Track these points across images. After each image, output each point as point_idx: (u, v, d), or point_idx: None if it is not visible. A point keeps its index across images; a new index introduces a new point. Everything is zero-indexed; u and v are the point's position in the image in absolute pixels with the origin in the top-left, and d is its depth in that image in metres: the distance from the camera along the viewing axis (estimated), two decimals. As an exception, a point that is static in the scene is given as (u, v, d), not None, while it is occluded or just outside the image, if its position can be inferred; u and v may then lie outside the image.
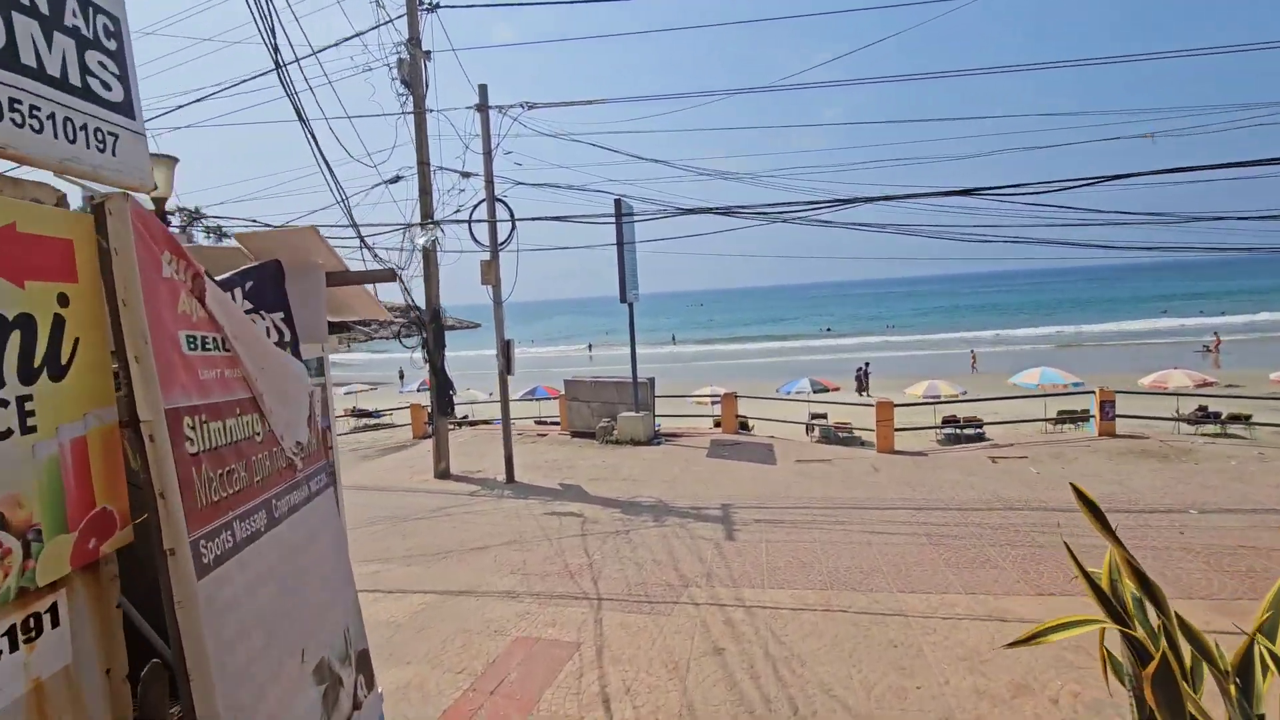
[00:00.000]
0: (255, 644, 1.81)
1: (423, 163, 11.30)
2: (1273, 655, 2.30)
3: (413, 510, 10.03)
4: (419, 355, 11.58)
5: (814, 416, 29.21)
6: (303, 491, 2.37)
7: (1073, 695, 4.69)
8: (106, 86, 1.66)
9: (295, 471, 2.32)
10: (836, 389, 29.23)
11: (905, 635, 5.61)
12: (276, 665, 1.92)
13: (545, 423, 17.52)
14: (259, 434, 2.08)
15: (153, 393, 1.53)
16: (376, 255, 9.61)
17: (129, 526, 1.64)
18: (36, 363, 1.40)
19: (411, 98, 11.05)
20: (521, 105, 10.58)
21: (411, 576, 7.48)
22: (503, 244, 11.11)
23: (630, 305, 13.72)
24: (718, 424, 15.55)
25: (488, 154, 10.85)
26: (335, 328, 4.03)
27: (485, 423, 20.64)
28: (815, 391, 28.05)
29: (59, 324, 1.46)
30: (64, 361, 1.47)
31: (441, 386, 11.64)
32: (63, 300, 1.48)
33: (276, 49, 6.91)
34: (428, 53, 11.24)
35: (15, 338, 1.35)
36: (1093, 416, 12.76)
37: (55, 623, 1.44)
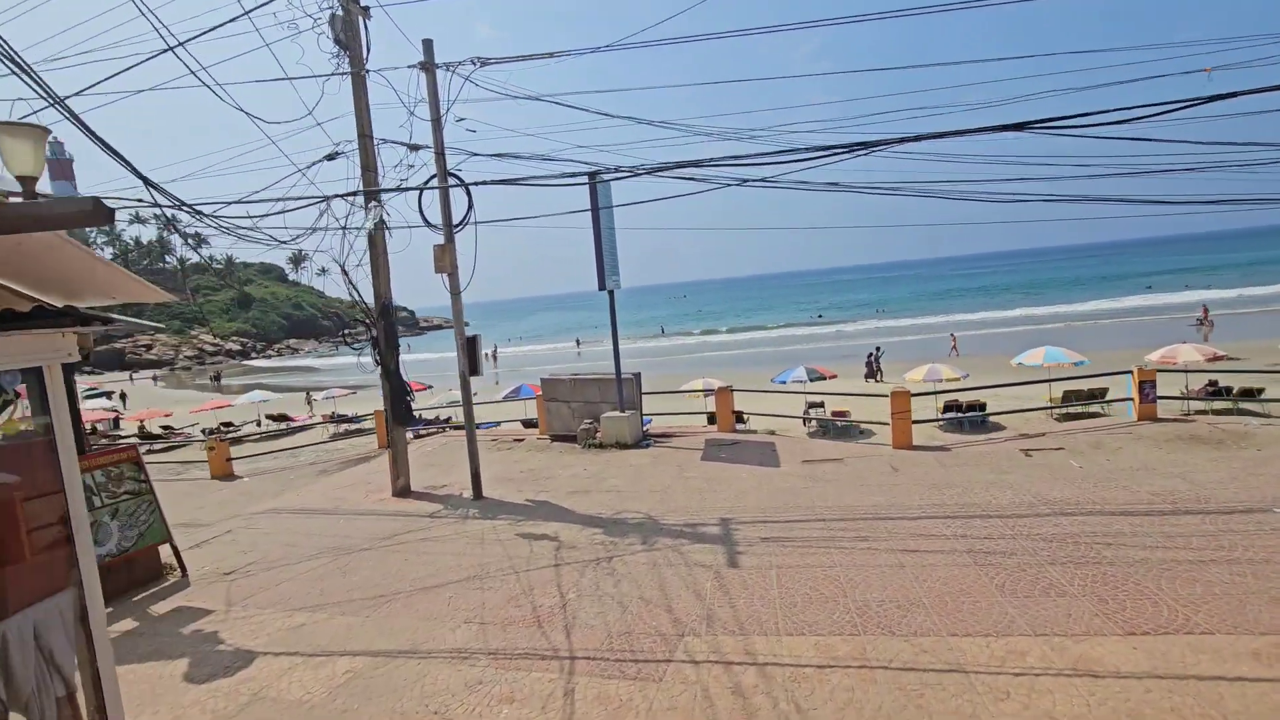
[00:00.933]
0: None
1: (363, 135, 9.79)
2: None
3: (361, 539, 8.59)
4: (368, 359, 10.11)
5: (811, 406, 28.04)
6: None
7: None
8: None
9: None
10: (833, 376, 27.92)
11: (971, 705, 4.25)
12: None
13: (532, 425, 16.10)
14: None
15: None
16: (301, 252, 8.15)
17: None
18: None
19: (348, 58, 9.54)
20: (472, 61, 9.09)
21: (343, 631, 6.05)
22: (459, 225, 9.65)
23: (611, 293, 12.29)
24: (713, 420, 14.20)
25: (436, 121, 9.36)
26: (78, 319, 2.59)
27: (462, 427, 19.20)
28: (812, 380, 26.81)
29: None
30: None
31: (396, 393, 10.18)
32: None
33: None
34: (366, 8, 9.72)
35: None
36: (1129, 399, 11.46)
37: None
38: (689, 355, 53.51)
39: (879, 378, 34.13)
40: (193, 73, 7.26)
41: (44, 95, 5.39)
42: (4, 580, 2.50)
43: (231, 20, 8.55)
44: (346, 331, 10.65)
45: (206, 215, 7.58)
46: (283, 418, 33.90)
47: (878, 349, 35.95)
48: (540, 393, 13.76)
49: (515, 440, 13.76)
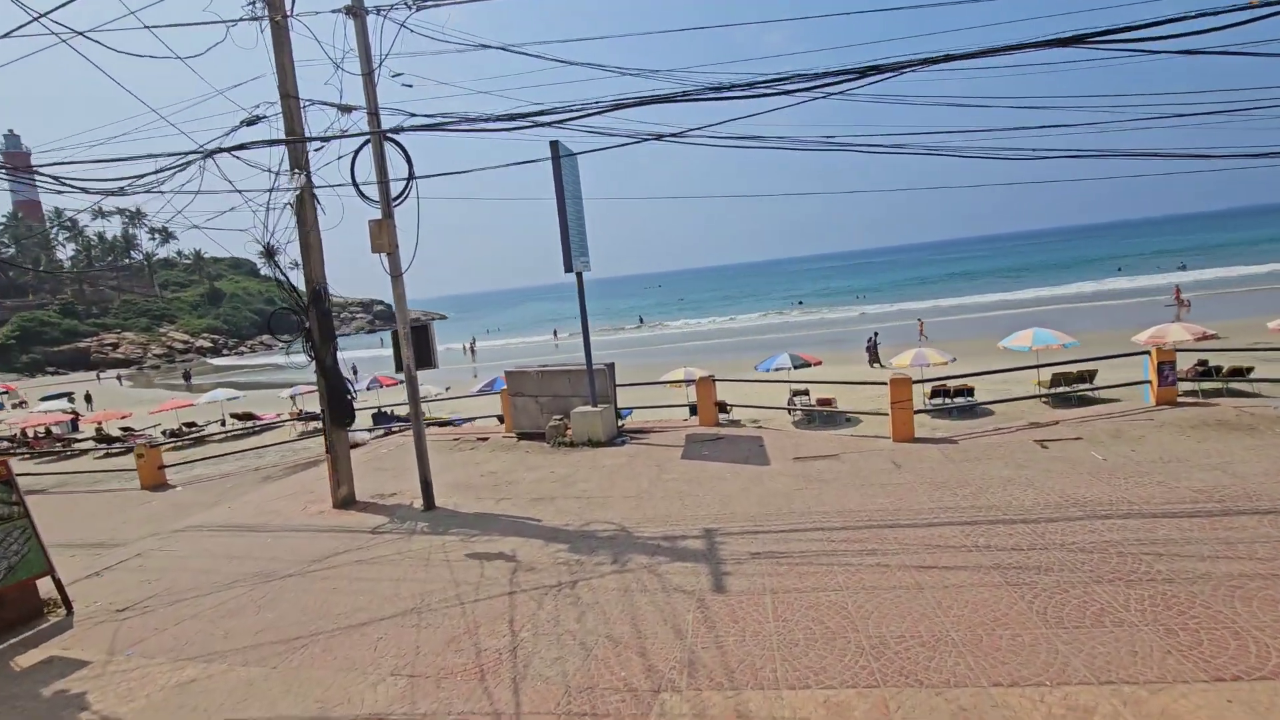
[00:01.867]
0: None
1: (287, 95, 8.49)
2: None
3: (288, 562, 7.38)
4: (301, 355, 8.86)
5: (795, 394, 27.12)
6: None
7: None
8: None
9: None
10: (818, 362, 27.12)
11: (1040, 796, 3.21)
12: None
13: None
14: None
15: None
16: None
17: None
18: None
19: (266, 3, 8.22)
20: (407, 3, 7.82)
21: (241, 688, 4.88)
22: (398, 198, 8.41)
23: (579, 276, 11.11)
24: (695, 413, 13.13)
25: (368, 76, 8.08)
26: None
27: (436, 424, 17.95)
28: (796, 367, 25.90)
29: None
30: None
31: (334, 391, 8.95)
32: None
33: None
34: (285, -54, 8.39)
35: None
36: (1147, 382, 10.56)
37: None
38: (670, 345, 52.52)
39: (881, 363, 33.36)
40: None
41: None
42: None
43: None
44: (273, 320, 9.37)
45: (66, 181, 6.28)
46: (249, 416, 32.56)
47: (876, 334, 35.12)
48: (506, 387, 12.55)
49: (479, 439, 12.56)
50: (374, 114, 8.15)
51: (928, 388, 25.29)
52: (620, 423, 12.31)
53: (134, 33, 8.61)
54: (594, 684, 4.46)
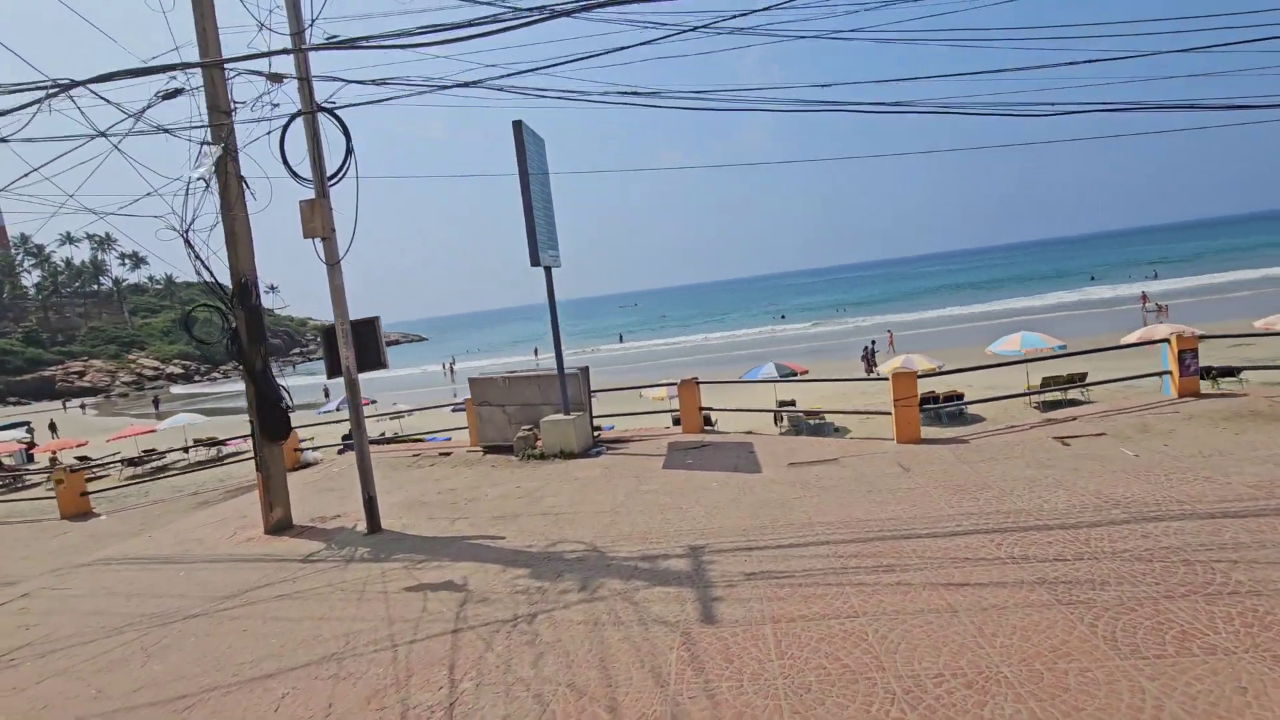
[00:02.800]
0: None
1: (209, 64, 7.47)
2: None
3: (197, 599, 6.22)
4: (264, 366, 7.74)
5: (781, 404, 26.30)
6: None
7: None
8: None
9: None
10: (805, 371, 26.39)
11: None
12: None
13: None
14: None
15: None
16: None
17: None
18: None
19: (178, -40, 7.23)
20: (337, -49, 6.93)
21: (88, 771, 3.75)
22: (334, 176, 7.41)
23: (548, 270, 10.13)
24: (678, 423, 12.12)
25: (297, 35, 7.11)
26: None
27: (399, 441, 16.77)
28: (783, 376, 25.12)
29: None
30: None
31: (265, 400, 7.84)
32: None
33: None
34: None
35: None
36: (1166, 373, 9.76)
37: None
38: (653, 362, 51.63)
39: (876, 370, 32.70)
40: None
41: None
42: None
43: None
44: (189, 320, 8.31)
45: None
46: (213, 441, 31.22)
47: (873, 342, 34.48)
48: (470, 396, 11.46)
49: (441, 454, 11.43)
50: (304, 79, 7.15)
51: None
52: (597, 433, 11.27)
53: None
54: (548, 753, 3.40)
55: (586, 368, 10.96)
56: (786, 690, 3.68)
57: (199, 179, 6.95)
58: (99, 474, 22.45)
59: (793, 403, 25.67)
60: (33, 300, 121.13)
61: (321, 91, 7.50)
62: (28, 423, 48.48)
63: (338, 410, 32.43)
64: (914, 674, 3.71)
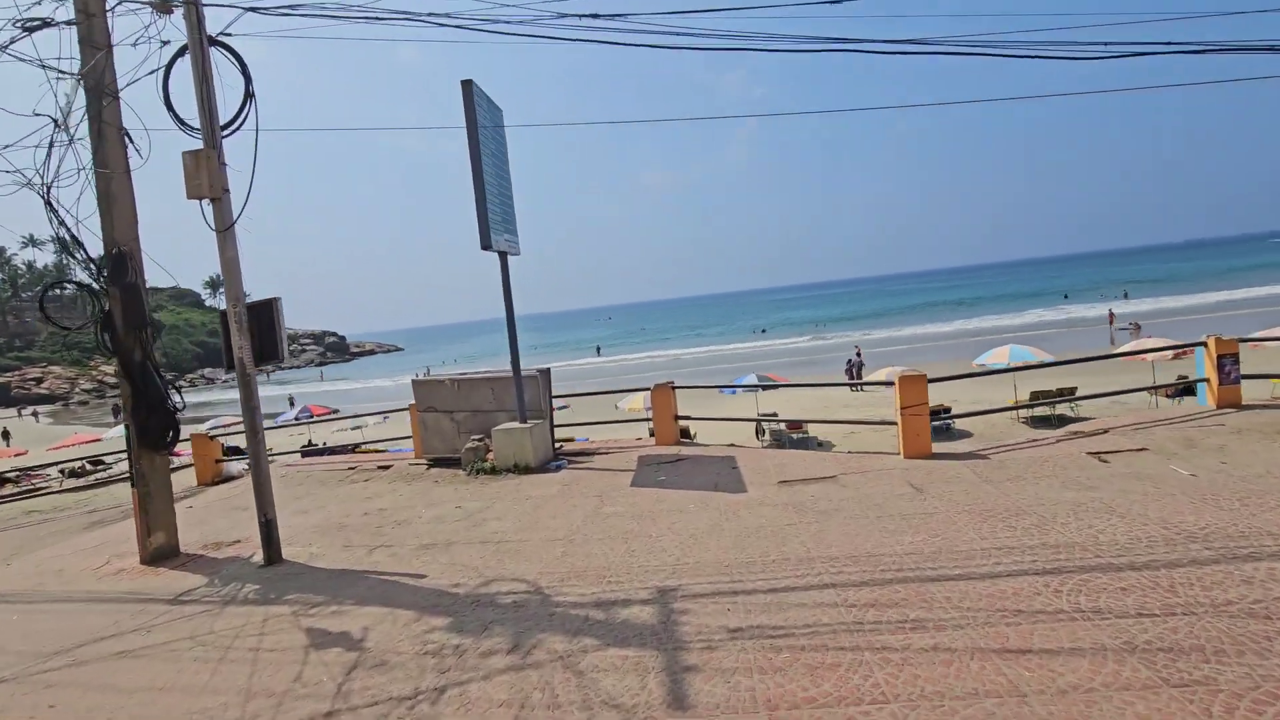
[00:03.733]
0: None
1: (79, -12, 6.12)
2: None
3: (18, 654, 4.75)
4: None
5: (763, 416, 25.11)
6: None
7: None
8: None
9: None
10: (787, 384, 25.31)
11: None
12: None
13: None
14: None
15: None
16: None
17: None
18: None
19: None
20: None
21: None
22: (230, 125, 6.06)
23: (503, 257, 8.83)
24: (655, 434, 10.81)
25: (183, -50, 5.80)
26: None
27: (342, 451, 15.27)
28: (765, 388, 24.04)
29: None
30: None
31: (143, 398, 6.40)
32: None
33: None
34: None
35: None
36: (1203, 381, 8.69)
37: None
38: (634, 374, 50.38)
39: (861, 387, 31.62)
40: None
41: None
42: None
43: None
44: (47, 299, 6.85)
45: None
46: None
47: (858, 353, 33.39)
48: (413, 401, 10.05)
49: (380, 468, 9.99)
50: (193, 2, 5.80)
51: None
52: (559, 445, 9.93)
53: None
54: None
55: (547, 370, 9.62)
56: (795, 837, 2.38)
57: (60, 125, 5.56)
58: (38, 485, 20.56)
59: (774, 414, 24.57)
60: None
61: (216, 22, 6.19)
62: (-29, 430, 46.01)
63: (296, 421, 30.73)
64: (987, 809, 2.43)
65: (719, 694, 3.31)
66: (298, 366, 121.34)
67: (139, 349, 6.39)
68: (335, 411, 30.94)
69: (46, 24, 6.37)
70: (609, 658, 3.79)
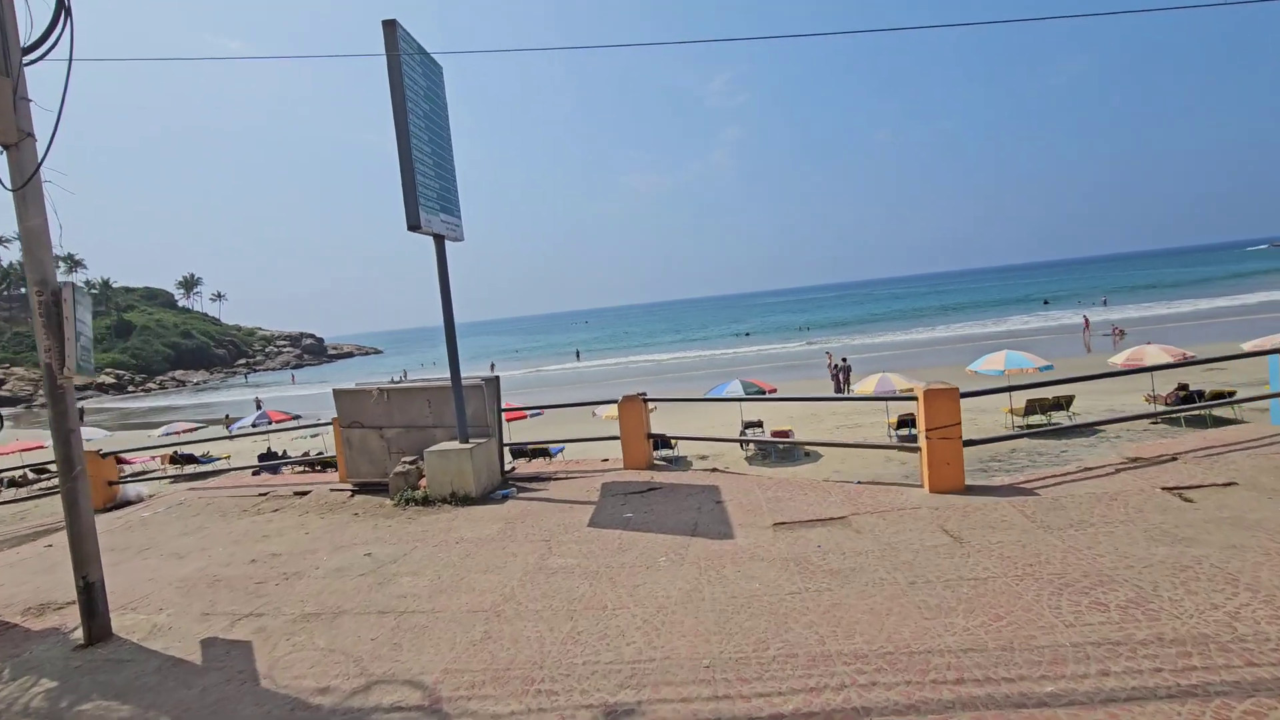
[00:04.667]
0: None
1: None
2: None
3: None
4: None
5: (748, 426, 23.62)
6: None
7: None
8: None
9: None
10: (773, 390, 23.91)
11: None
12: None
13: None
14: None
15: None
16: None
17: None
18: None
19: None
20: None
21: None
22: (35, 48, 4.48)
23: (439, 241, 7.28)
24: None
25: None
26: None
27: (313, 465, 13.56)
28: (749, 394, 22.62)
29: None
30: None
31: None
32: None
33: None
34: None
35: None
36: (1274, 395, 7.32)
37: None
38: (616, 381, 48.87)
39: (848, 391, 30.33)
40: None
41: None
42: None
43: None
44: None
45: None
46: (115, 460, 27.40)
47: (844, 360, 32.08)
48: (338, 414, 8.42)
49: (296, 494, 8.36)
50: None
51: (893, 417, 22.33)
52: (511, 466, 8.38)
53: None
54: None
55: (495, 379, 8.05)
56: None
57: None
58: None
59: (759, 423, 23.16)
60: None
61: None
62: (-98, 437, 43.37)
63: (254, 427, 28.86)
64: None
65: None
66: (272, 369, 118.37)
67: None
68: (298, 418, 29.13)
69: None
70: None
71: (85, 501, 4.58)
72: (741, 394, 22.11)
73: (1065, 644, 3.34)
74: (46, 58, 4.45)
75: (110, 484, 9.53)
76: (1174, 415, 19.61)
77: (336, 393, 8.17)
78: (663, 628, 3.94)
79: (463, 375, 7.42)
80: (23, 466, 26.61)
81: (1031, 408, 20.69)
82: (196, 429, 32.39)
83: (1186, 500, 5.17)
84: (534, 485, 7.66)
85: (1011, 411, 21.51)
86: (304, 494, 8.31)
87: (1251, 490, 5.27)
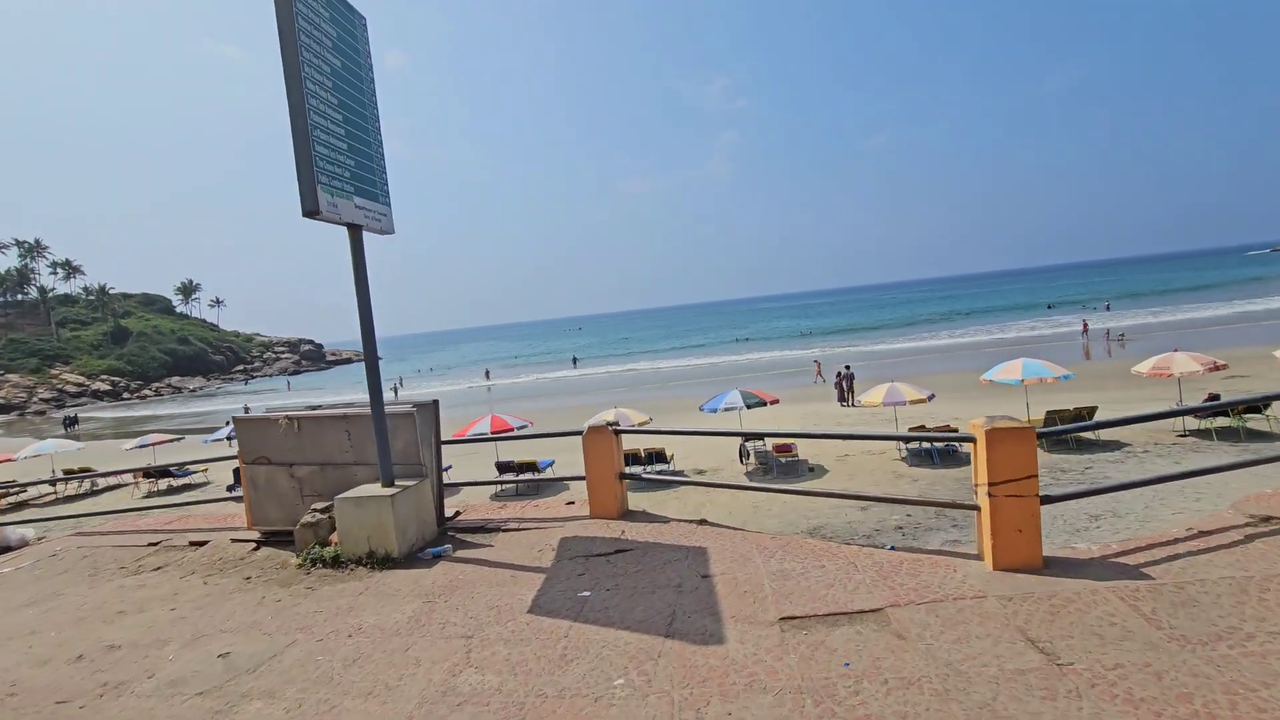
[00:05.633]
0: None
1: None
2: None
3: None
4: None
5: (747, 438, 22.14)
6: None
7: None
8: None
9: None
10: (775, 401, 22.38)
11: None
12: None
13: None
14: None
15: None
16: None
17: None
18: None
19: None
20: None
21: None
22: None
23: (354, 232, 5.75)
24: (626, 474, 7.61)
25: None
26: None
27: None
28: (749, 405, 21.09)
29: None
30: None
31: None
32: None
33: None
34: None
35: None
36: None
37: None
38: (607, 391, 47.30)
39: (850, 400, 28.89)
40: None
41: None
42: None
43: None
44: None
45: None
46: (85, 472, 25.44)
47: (847, 368, 30.65)
48: (240, 448, 6.87)
49: (192, 545, 6.80)
50: None
51: (903, 429, 20.78)
52: (456, 513, 6.82)
53: None
54: None
55: (433, 403, 6.48)
56: None
57: None
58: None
59: (761, 438, 21.63)
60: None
61: None
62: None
63: (229, 441, 27.38)
64: None
65: None
66: (269, 375, 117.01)
67: None
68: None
69: None
70: None
71: None
72: (741, 404, 20.60)
73: None
74: None
75: (-15, 526, 7.99)
76: (1204, 428, 18.20)
77: (237, 421, 6.60)
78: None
79: (386, 400, 5.86)
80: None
81: (1051, 419, 19.21)
82: (171, 440, 30.86)
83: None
84: (476, 539, 6.09)
85: (1030, 421, 20.01)
86: (201, 544, 6.74)
87: None
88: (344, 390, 73.75)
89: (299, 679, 3.82)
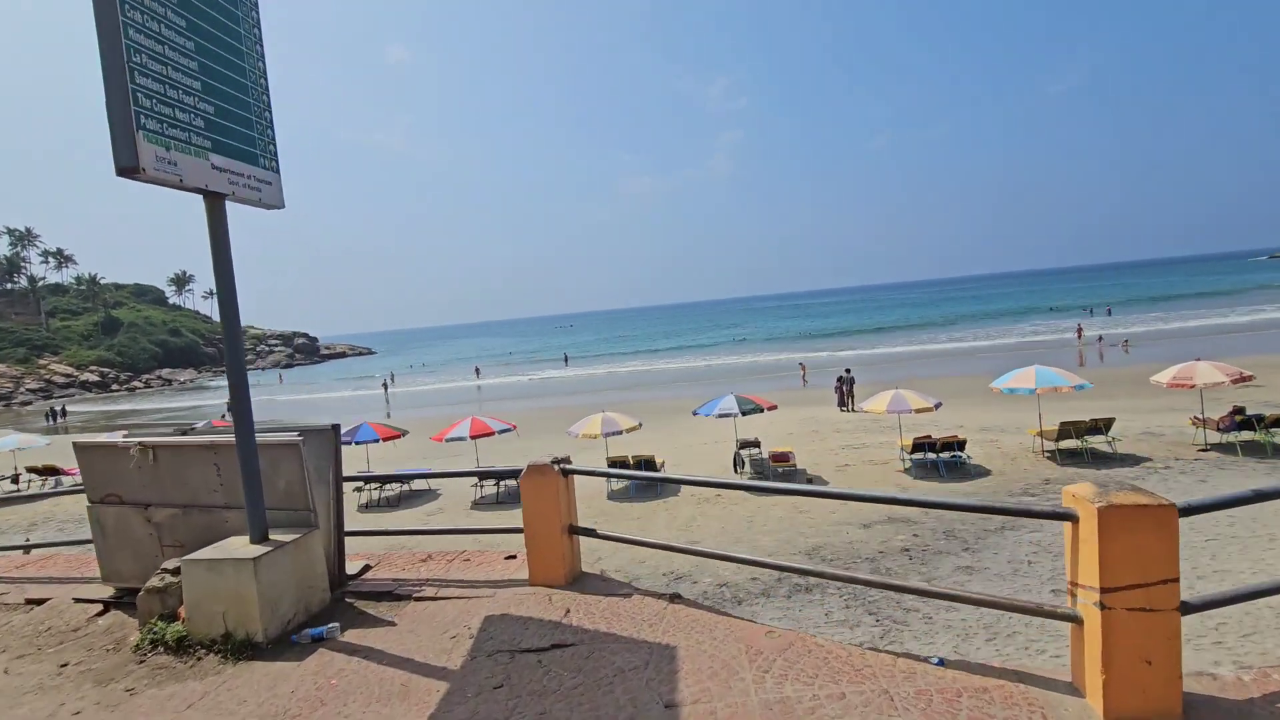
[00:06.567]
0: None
1: None
2: None
3: None
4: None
5: (743, 444, 21.00)
6: None
7: None
8: None
9: None
10: (773, 407, 20.99)
11: None
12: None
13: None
14: None
15: None
16: None
17: None
18: None
19: None
20: None
21: None
22: None
23: (214, 199, 4.28)
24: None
25: None
26: None
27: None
28: (745, 412, 19.74)
29: None
30: None
31: None
32: None
33: None
34: None
35: None
36: None
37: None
38: (599, 393, 45.75)
39: (851, 405, 27.59)
40: None
41: None
42: None
43: None
44: None
45: None
46: (51, 471, 25.14)
47: (848, 371, 29.32)
48: (85, 483, 5.38)
49: (29, 602, 5.34)
50: None
51: (907, 439, 19.64)
52: (365, 565, 5.35)
53: None
54: None
55: (333, 427, 4.99)
56: None
57: None
58: None
59: (756, 442, 20.32)
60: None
61: None
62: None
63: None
64: None
65: None
66: (262, 368, 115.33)
67: None
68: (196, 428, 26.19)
69: None
70: None
71: None
72: (736, 411, 19.21)
73: None
74: None
75: None
76: (1226, 442, 16.90)
77: (78, 448, 5.10)
78: None
79: (299, 423, 4.40)
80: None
81: (1065, 431, 17.90)
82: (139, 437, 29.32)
83: None
84: (380, 610, 4.60)
85: (1041, 434, 18.68)
86: (39, 602, 5.27)
87: None
88: (336, 386, 72.24)
89: None
